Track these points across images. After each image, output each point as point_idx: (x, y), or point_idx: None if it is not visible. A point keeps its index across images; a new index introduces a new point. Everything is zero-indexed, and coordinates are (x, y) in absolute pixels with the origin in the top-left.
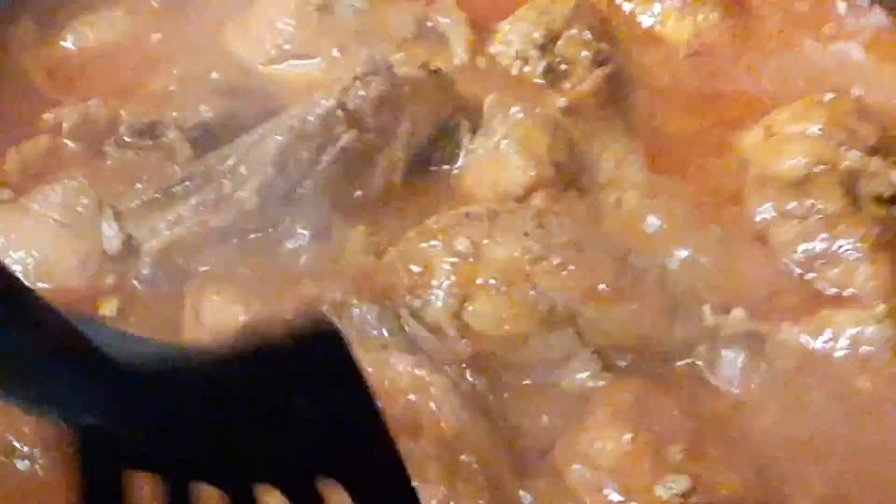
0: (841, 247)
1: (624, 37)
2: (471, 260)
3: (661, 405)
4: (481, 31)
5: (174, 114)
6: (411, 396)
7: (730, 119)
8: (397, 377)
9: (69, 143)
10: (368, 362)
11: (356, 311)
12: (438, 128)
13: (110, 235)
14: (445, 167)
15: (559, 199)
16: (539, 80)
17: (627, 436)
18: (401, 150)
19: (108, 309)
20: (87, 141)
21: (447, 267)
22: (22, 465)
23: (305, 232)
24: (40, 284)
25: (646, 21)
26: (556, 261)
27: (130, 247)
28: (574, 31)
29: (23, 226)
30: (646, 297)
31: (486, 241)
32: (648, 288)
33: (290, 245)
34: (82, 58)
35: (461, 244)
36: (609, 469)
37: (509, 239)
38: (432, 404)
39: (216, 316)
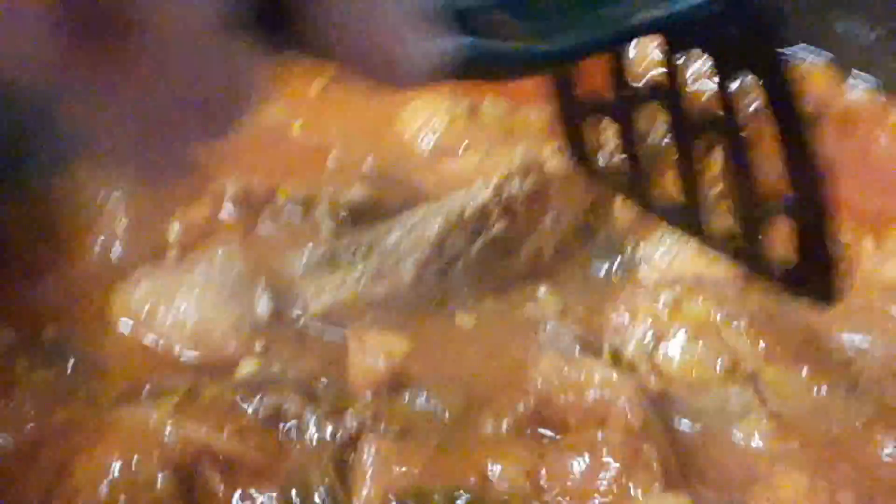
0: None
1: None
2: (670, 311)
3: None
4: None
5: (328, 192)
6: (602, 392)
7: None
8: (589, 375)
9: (228, 212)
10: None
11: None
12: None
13: (262, 301)
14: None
15: None
16: None
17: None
18: (546, 238)
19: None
20: (245, 211)
21: (649, 314)
22: None
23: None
24: (190, 352)
25: None
26: (745, 321)
27: (284, 310)
28: None
29: (181, 290)
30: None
31: (685, 299)
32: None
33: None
34: (246, 139)
35: (665, 297)
36: None
37: (707, 298)
38: (622, 399)
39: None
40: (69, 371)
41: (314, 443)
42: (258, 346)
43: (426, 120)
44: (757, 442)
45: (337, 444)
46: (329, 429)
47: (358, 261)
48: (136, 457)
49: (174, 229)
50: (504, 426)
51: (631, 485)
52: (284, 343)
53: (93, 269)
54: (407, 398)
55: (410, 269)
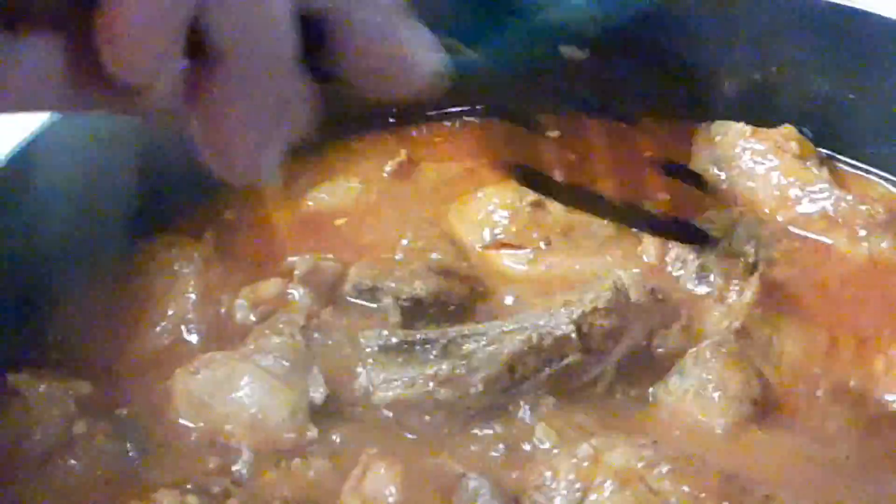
0: None
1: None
2: (590, 464)
3: None
4: None
5: (392, 284)
6: None
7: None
8: None
9: (296, 292)
10: None
11: (472, 483)
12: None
13: (317, 389)
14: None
15: None
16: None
17: None
18: (612, 368)
19: None
20: (314, 291)
21: (570, 469)
22: None
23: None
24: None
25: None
26: (666, 467)
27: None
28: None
29: (244, 376)
30: None
31: (603, 451)
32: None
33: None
34: (320, 218)
35: (582, 451)
36: None
37: (624, 448)
38: None
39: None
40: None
41: None
42: (311, 434)
43: (490, 210)
44: None
45: None
46: None
47: (432, 360)
48: None
49: (242, 307)
50: None
51: None
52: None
53: (159, 346)
54: None
55: (479, 383)
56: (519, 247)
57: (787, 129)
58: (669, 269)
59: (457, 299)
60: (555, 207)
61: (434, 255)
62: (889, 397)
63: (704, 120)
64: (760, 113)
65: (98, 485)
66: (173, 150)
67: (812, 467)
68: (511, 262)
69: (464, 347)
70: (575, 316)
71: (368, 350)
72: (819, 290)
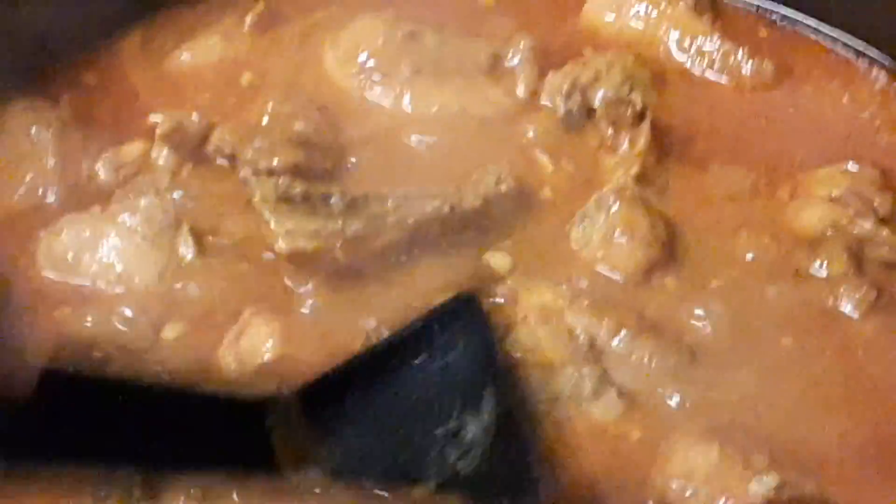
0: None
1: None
2: (508, 303)
3: None
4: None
5: (249, 155)
6: None
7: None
8: None
9: (161, 154)
10: None
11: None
12: None
13: (186, 249)
14: None
15: None
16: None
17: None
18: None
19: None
20: (177, 151)
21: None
22: None
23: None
24: (119, 289)
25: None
26: (586, 302)
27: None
28: (605, 84)
29: (110, 235)
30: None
31: (522, 290)
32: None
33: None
34: (183, 75)
35: (501, 294)
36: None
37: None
38: None
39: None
40: None
41: None
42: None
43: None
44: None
45: None
46: None
47: (336, 216)
48: None
49: (103, 170)
50: None
51: None
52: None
53: (19, 209)
54: None
55: (380, 245)
56: (387, 75)
57: None
58: (545, 103)
59: (316, 173)
60: (430, 39)
61: (299, 126)
62: (797, 223)
63: None
64: None
65: None
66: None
67: (721, 309)
68: (378, 97)
69: (368, 209)
70: (481, 191)
71: (265, 200)
72: (710, 130)
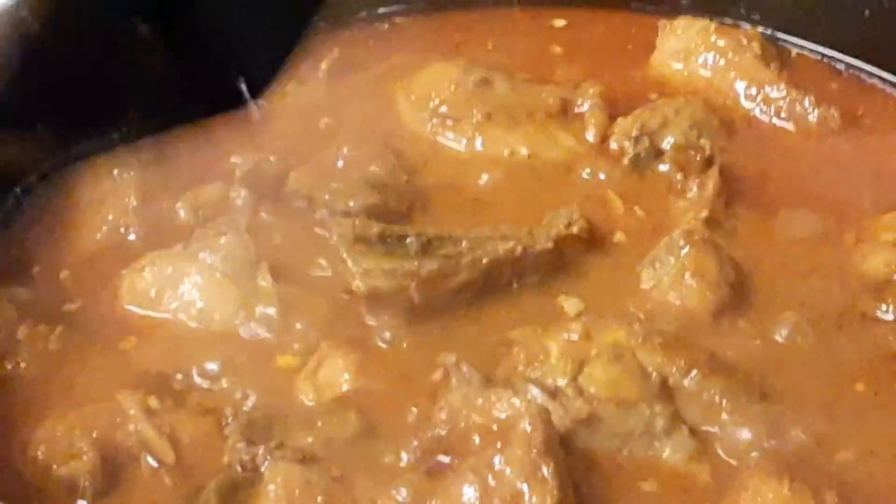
0: None
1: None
2: (581, 340)
3: None
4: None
5: (327, 197)
6: (508, 415)
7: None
8: (496, 401)
9: (238, 195)
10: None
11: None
12: None
13: (266, 287)
14: None
15: None
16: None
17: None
18: None
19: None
20: (255, 192)
21: (563, 346)
22: None
23: None
24: (199, 324)
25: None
26: (658, 341)
27: None
28: (674, 129)
29: (191, 273)
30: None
31: (592, 329)
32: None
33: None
34: (260, 119)
35: (574, 330)
36: None
37: (615, 325)
38: (525, 420)
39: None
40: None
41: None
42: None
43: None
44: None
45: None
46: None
47: (413, 257)
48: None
49: (183, 210)
50: (404, 457)
51: (527, 498)
52: None
53: (102, 247)
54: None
55: (455, 285)
56: (458, 119)
57: (752, 30)
58: (613, 146)
59: (391, 215)
60: (501, 85)
61: (373, 168)
62: (863, 268)
63: (670, 14)
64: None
65: (50, 388)
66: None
67: (792, 351)
68: (450, 137)
69: (442, 250)
70: (553, 233)
71: (342, 240)
72: (778, 176)
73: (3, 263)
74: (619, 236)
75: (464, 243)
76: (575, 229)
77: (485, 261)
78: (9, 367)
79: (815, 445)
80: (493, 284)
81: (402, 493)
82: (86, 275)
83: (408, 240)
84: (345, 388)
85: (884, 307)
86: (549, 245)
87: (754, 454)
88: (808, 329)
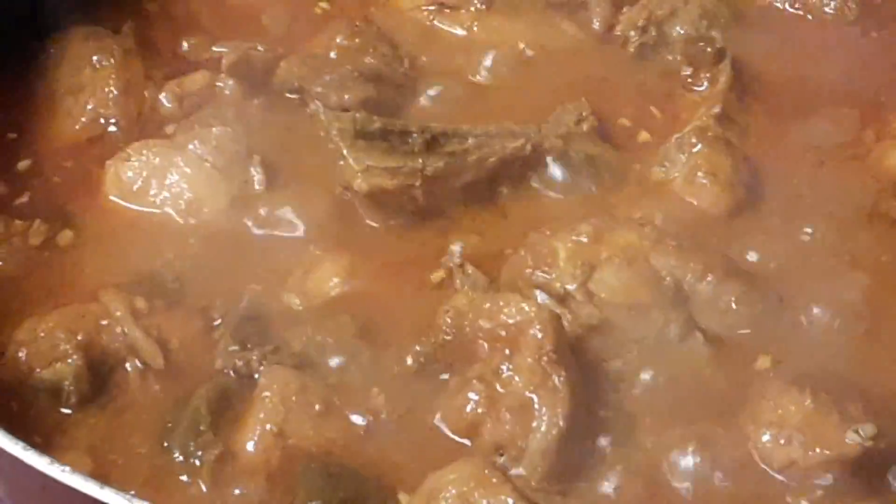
0: None
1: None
2: (591, 243)
3: None
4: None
5: (319, 89)
6: (517, 319)
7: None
8: (504, 305)
9: (225, 84)
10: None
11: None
12: None
13: (258, 180)
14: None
15: None
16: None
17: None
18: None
19: None
20: (242, 82)
21: (573, 248)
22: None
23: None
24: (187, 219)
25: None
26: (672, 244)
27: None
28: (682, 19)
29: (180, 164)
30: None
31: (605, 231)
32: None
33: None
34: (248, 8)
35: (583, 231)
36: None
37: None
38: (536, 325)
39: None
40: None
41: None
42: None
43: None
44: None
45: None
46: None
47: (416, 152)
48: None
49: (167, 100)
50: (408, 360)
51: (536, 407)
52: None
53: (81, 138)
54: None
55: (459, 185)
56: (456, 7)
57: None
58: (618, 32)
59: (388, 109)
60: None
61: (368, 59)
62: (882, 165)
63: None
64: None
65: (30, 287)
66: None
67: (810, 253)
68: (449, 25)
69: (447, 147)
70: (562, 131)
71: (343, 135)
72: (793, 70)
73: None
74: (625, 131)
75: (470, 140)
76: (585, 127)
77: (492, 159)
78: None
79: (836, 353)
80: (499, 183)
81: (404, 401)
82: (65, 167)
83: (411, 136)
84: (340, 290)
85: None
86: (559, 143)
87: (773, 362)
88: (826, 230)
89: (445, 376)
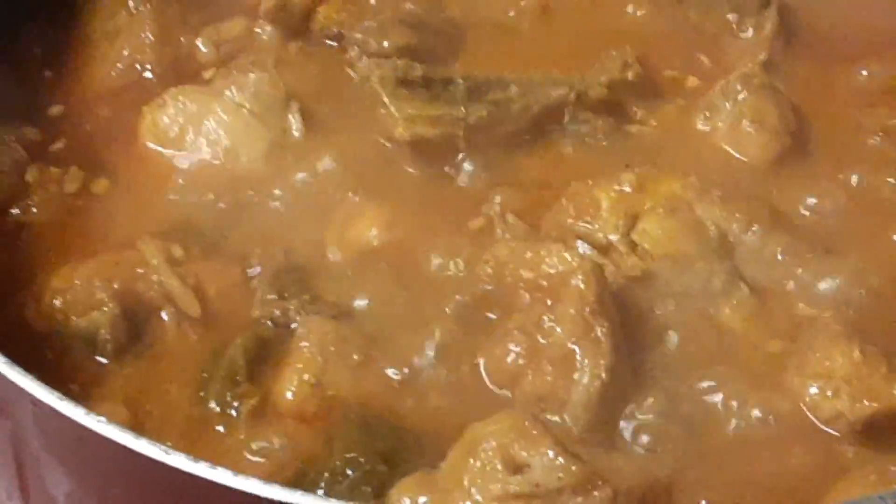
0: None
1: None
2: (634, 192)
3: None
4: None
5: (359, 35)
6: (559, 269)
7: None
8: (546, 255)
9: (263, 31)
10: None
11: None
12: None
13: (296, 127)
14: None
15: None
16: None
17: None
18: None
19: None
20: (280, 28)
21: (616, 197)
22: None
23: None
24: (225, 165)
25: None
26: (717, 195)
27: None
28: None
29: (217, 110)
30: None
31: (648, 180)
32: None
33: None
34: None
35: (626, 181)
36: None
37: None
38: (578, 275)
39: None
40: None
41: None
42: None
43: None
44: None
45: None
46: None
47: (458, 101)
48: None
49: (203, 45)
50: (447, 310)
51: (578, 359)
52: None
53: (117, 84)
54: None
55: (503, 133)
56: None
57: None
58: None
59: (429, 57)
60: None
61: (408, 5)
62: None
63: None
64: None
65: (65, 235)
66: None
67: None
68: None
69: (490, 95)
70: (606, 79)
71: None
72: (840, 15)
73: (10, 101)
74: (671, 79)
75: (513, 88)
76: (630, 74)
77: (535, 108)
78: (14, 211)
79: (885, 305)
80: (542, 132)
81: (444, 352)
82: (100, 113)
83: (453, 84)
84: (380, 239)
85: None
86: (604, 91)
87: (821, 314)
88: (874, 181)
89: (489, 323)
